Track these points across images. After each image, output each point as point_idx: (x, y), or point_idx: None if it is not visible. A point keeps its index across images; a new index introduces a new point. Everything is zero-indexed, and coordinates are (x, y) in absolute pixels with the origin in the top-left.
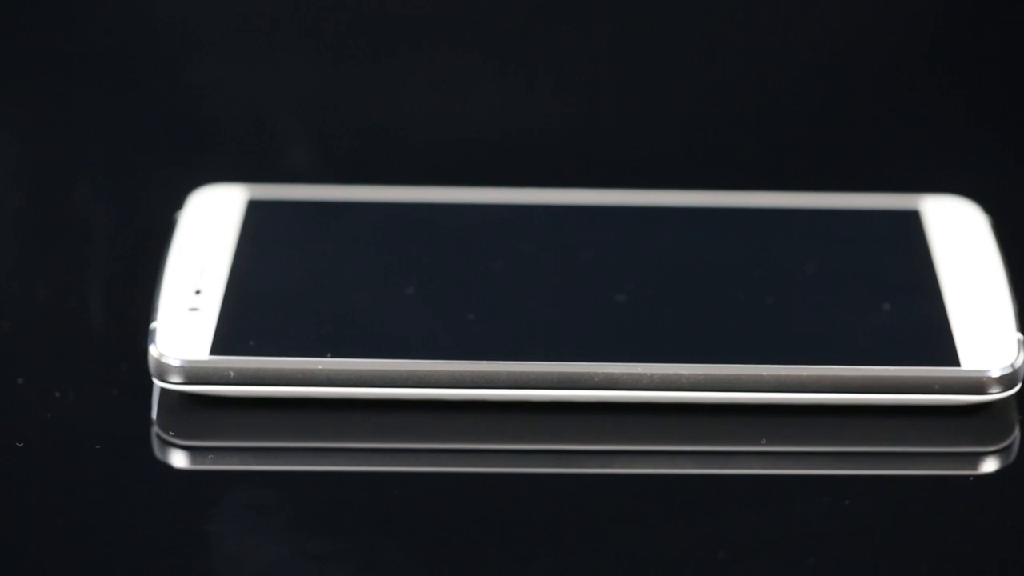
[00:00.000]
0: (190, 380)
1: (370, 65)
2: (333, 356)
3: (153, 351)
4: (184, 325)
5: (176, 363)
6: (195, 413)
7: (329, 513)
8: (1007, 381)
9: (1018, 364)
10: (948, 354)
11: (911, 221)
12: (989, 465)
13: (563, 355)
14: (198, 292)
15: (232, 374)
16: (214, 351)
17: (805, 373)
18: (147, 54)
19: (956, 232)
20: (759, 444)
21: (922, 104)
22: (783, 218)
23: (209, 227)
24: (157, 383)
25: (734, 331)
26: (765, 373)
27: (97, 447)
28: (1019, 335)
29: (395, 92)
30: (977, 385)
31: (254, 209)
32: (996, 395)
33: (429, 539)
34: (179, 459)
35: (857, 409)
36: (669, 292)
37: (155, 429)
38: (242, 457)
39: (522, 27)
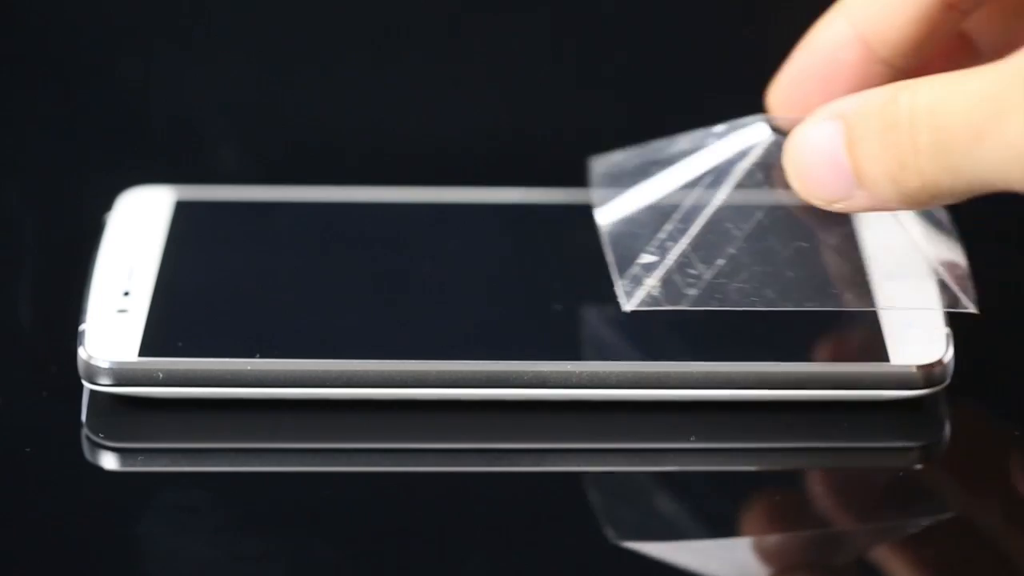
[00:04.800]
0: (119, 382)
1: (300, 65)
2: (262, 357)
3: (82, 353)
4: (113, 326)
5: (105, 365)
6: (125, 415)
7: (259, 514)
8: (936, 376)
9: (947, 359)
10: (877, 350)
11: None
12: (919, 460)
13: (492, 354)
14: (127, 293)
15: (161, 375)
16: (143, 352)
17: (734, 370)
18: (75, 54)
19: (884, 227)
20: (689, 441)
21: None
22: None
23: (137, 228)
24: (86, 385)
25: (664, 328)
26: (694, 370)
27: (27, 449)
28: (947, 330)
29: (324, 92)
30: (906, 380)
31: (182, 210)
32: (925, 390)
33: (361, 539)
34: (109, 461)
35: (786, 405)
36: (599, 290)
37: (84, 431)
38: (172, 458)
39: (454, 27)
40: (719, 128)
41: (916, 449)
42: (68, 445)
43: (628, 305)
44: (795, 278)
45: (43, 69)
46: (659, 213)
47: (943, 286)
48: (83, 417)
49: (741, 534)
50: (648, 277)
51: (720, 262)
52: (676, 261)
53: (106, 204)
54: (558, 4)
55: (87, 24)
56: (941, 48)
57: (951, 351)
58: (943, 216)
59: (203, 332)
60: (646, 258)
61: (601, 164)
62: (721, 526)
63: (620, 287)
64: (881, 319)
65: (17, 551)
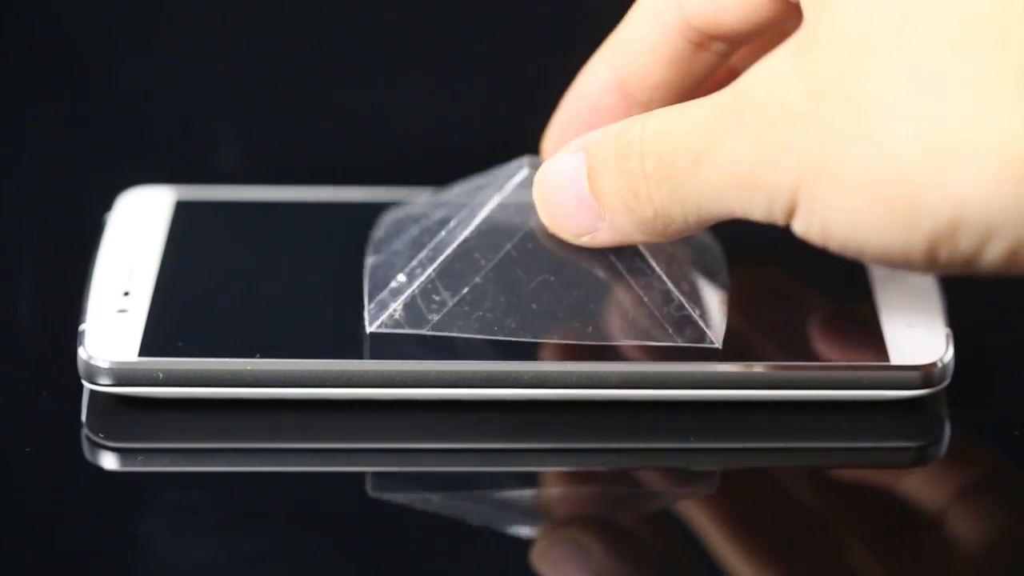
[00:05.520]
0: (119, 382)
1: (300, 65)
2: (262, 357)
3: (82, 353)
4: (113, 326)
5: (105, 365)
6: (125, 415)
7: (259, 514)
8: (936, 376)
9: (947, 359)
10: (877, 350)
11: None
12: (919, 460)
13: (492, 354)
14: (127, 293)
15: (161, 375)
16: (143, 352)
17: (734, 370)
18: (75, 54)
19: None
20: (689, 441)
21: None
22: None
23: (138, 228)
24: (86, 385)
25: None
26: (695, 370)
27: (27, 450)
28: (947, 330)
29: (325, 91)
30: (906, 380)
31: (182, 210)
32: (925, 390)
33: (361, 539)
34: (109, 461)
35: (787, 405)
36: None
37: (85, 431)
38: (172, 458)
39: (456, 27)
40: (489, 172)
41: (916, 449)
42: (68, 445)
43: (370, 327)
44: (538, 310)
45: (43, 69)
46: (416, 246)
47: (688, 320)
48: (83, 417)
49: (741, 533)
50: (394, 302)
51: (465, 290)
52: (421, 287)
53: (106, 204)
54: (560, 3)
55: (87, 24)
56: (711, 86)
57: (951, 351)
58: (711, 246)
59: (203, 332)
60: (395, 284)
61: (389, 215)
62: (722, 525)
63: (367, 310)
64: (881, 319)
65: (17, 551)
